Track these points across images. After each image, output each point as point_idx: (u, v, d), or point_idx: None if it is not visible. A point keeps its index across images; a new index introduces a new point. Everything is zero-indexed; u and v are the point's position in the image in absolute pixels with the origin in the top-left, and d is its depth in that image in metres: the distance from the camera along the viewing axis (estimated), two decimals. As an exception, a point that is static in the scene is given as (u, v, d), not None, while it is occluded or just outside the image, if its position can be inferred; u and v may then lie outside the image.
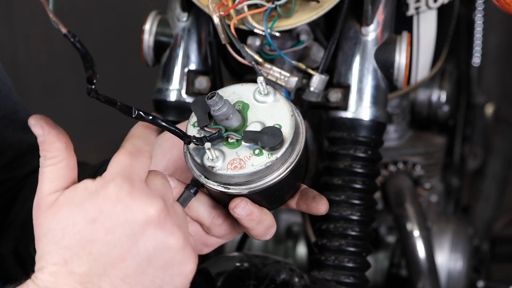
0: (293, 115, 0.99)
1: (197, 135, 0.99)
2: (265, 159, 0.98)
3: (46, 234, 0.91)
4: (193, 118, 1.01)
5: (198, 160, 0.99)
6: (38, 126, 0.94)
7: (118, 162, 0.93)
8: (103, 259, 0.90)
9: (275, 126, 0.98)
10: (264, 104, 1.01)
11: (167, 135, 1.05)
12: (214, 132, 0.99)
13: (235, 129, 0.99)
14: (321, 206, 1.06)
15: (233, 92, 1.02)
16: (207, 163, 0.98)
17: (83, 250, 0.90)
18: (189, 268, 0.93)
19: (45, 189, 0.93)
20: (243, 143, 0.99)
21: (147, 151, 0.95)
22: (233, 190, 0.99)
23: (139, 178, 0.92)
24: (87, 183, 0.92)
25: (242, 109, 1.01)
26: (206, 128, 1.00)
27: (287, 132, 0.98)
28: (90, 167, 1.27)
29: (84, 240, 0.90)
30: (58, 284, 0.89)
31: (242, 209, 1.00)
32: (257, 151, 0.98)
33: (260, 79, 1.00)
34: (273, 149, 0.98)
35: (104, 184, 0.91)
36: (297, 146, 1.00)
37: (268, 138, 0.97)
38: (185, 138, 0.98)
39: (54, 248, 0.91)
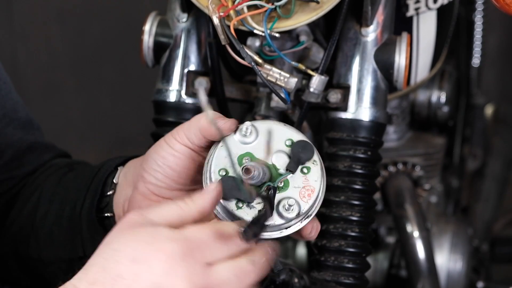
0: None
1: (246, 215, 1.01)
2: (318, 176, 1.02)
3: (105, 249, 0.92)
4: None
5: (276, 233, 1.02)
6: (213, 185, 0.97)
7: (199, 231, 0.92)
8: None
9: (298, 141, 1.02)
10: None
11: (161, 150, 1.06)
12: (263, 210, 1.00)
13: (271, 179, 1.02)
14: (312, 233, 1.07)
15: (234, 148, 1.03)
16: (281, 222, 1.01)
17: (110, 281, 0.89)
18: None
19: (151, 212, 0.95)
20: (289, 180, 1.01)
21: (239, 246, 0.93)
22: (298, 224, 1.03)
23: (201, 257, 0.90)
24: (163, 228, 0.92)
25: (253, 158, 1.02)
26: (254, 204, 1.01)
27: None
28: (89, 167, 1.27)
29: (117, 272, 0.90)
30: None
31: (316, 232, 1.05)
32: (305, 170, 1.02)
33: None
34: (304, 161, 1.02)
35: (167, 239, 0.90)
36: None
37: (302, 153, 1.01)
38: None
39: (98, 264, 0.91)
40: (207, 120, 1.02)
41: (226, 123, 1.02)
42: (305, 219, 1.03)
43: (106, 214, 1.19)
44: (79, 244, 1.21)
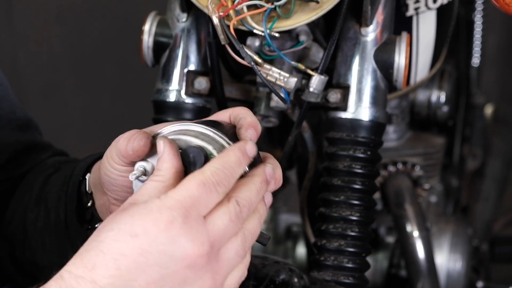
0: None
1: None
2: None
3: (98, 233, 0.89)
4: None
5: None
6: (161, 143, 0.95)
7: (186, 189, 0.90)
8: (128, 280, 0.87)
9: (184, 152, 0.97)
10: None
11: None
12: None
13: None
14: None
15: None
16: None
17: (113, 262, 0.87)
18: None
19: (135, 196, 0.92)
20: None
21: (226, 187, 0.92)
22: None
23: (197, 214, 0.89)
24: (153, 199, 0.90)
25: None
26: None
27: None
28: (70, 169, 1.26)
29: (118, 251, 0.87)
30: None
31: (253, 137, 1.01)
32: None
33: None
34: None
35: (161, 208, 0.88)
36: None
37: (196, 160, 0.97)
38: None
39: (94, 248, 0.88)
40: (123, 145, 1.00)
41: (138, 142, 0.99)
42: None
43: (96, 226, 1.16)
44: (70, 250, 1.19)
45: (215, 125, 1.00)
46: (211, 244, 0.89)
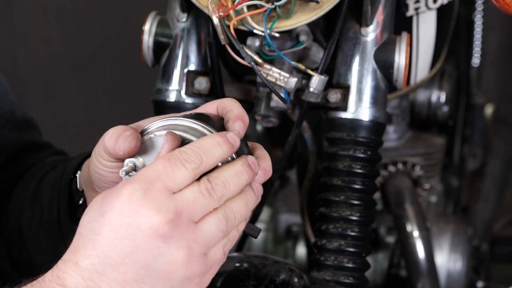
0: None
1: None
2: None
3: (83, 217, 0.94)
4: None
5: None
6: (163, 140, 0.97)
7: (152, 166, 0.93)
8: (104, 257, 0.90)
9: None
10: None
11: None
12: None
13: None
14: None
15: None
16: None
17: (89, 242, 0.91)
18: (194, 285, 0.93)
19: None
20: None
21: (196, 163, 0.93)
22: None
23: (162, 186, 0.91)
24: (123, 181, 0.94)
25: None
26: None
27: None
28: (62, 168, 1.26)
29: (92, 231, 0.91)
30: (67, 275, 0.91)
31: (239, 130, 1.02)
32: None
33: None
34: None
35: (125, 183, 0.91)
36: None
37: None
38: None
39: (76, 233, 0.93)
40: (110, 143, 1.01)
41: (129, 144, 1.00)
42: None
43: None
44: (64, 248, 1.20)
45: (203, 118, 1.01)
46: (177, 212, 0.90)
